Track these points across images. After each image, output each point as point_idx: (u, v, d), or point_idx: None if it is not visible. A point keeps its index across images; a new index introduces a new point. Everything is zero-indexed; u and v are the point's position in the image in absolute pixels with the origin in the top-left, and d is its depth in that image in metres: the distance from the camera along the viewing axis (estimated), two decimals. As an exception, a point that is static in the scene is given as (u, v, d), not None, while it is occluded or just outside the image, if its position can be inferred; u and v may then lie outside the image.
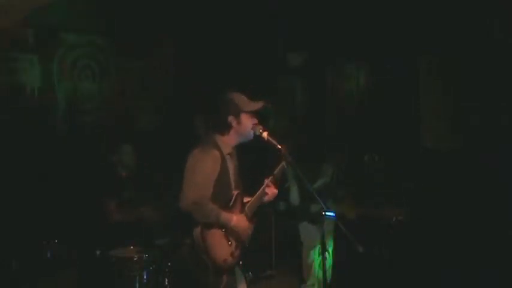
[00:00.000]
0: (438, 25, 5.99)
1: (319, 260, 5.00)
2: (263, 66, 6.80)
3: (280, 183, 3.77)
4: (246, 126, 3.48)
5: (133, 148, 5.08)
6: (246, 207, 3.56)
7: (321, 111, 7.35)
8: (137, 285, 4.18)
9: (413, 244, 5.42)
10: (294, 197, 5.20)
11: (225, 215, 3.37)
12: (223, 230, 3.38)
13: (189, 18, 6.39)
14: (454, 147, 6.06)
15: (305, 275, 5.24)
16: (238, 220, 3.42)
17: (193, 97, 6.19)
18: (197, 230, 3.32)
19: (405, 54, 6.43)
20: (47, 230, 4.78)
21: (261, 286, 5.73)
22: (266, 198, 3.64)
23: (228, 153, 3.51)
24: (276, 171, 3.65)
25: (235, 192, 3.51)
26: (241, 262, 3.56)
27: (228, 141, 3.51)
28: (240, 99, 3.51)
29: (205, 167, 3.36)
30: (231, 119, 3.46)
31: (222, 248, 3.36)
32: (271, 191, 3.63)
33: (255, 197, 3.59)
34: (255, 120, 3.52)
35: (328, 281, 4.76)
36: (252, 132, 3.49)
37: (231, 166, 3.52)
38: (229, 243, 3.40)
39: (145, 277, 4.19)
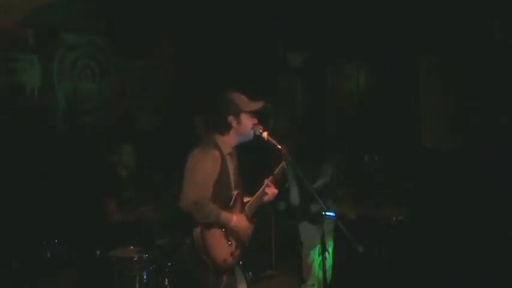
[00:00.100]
0: (438, 25, 5.99)
1: (319, 260, 5.00)
2: (263, 66, 6.80)
3: (280, 183, 3.77)
4: (246, 126, 3.48)
5: (133, 148, 5.09)
6: (246, 207, 3.56)
7: (321, 111, 7.34)
8: (137, 285, 4.18)
9: (413, 244, 5.42)
10: (294, 197, 5.20)
11: (225, 215, 3.37)
12: (223, 230, 3.38)
13: (189, 18, 6.39)
14: (454, 147, 6.06)
15: (305, 275, 5.24)
16: (238, 220, 3.42)
17: (193, 97, 6.19)
18: (197, 230, 3.32)
19: (405, 54, 6.43)
20: (47, 230, 4.78)
21: (261, 286, 5.73)
22: (266, 198, 3.64)
23: (228, 153, 3.51)
24: (276, 171, 3.65)
25: (235, 192, 3.51)
26: (241, 262, 3.56)
27: (228, 141, 3.51)
28: (240, 99, 3.51)
29: (205, 167, 3.36)
30: (231, 118, 3.46)
31: (222, 248, 3.36)
32: (271, 191, 3.63)
33: (254, 196, 3.59)
34: (255, 120, 3.52)
35: (328, 281, 4.76)
36: (252, 132, 3.49)
37: (231, 166, 3.52)
38: (229, 243, 3.40)
39: (145, 277, 4.19)
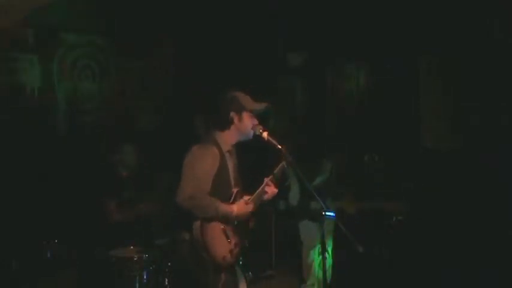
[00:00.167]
0: (438, 25, 5.99)
1: (319, 259, 5.00)
2: (263, 66, 6.80)
3: (280, 183, 3.77)
4: (247, 124, 3.49)
5: (135, 148, 5.09)
6: (245, 206, 3.56)
7: (321, 111, 7.34)
8: (137, 285, 4.17)
9: (413, 244, 5.42)
10: (294, 195, 5.20)
11: (224, 207, 3.37)
12: (223, 226, 3.38)
13: (189, 18, 6.39)
14: (454, 147, 6.06)
15: (305, 274, 5.24)
16: (239, 208, 3.42)
17: (193, 97, 6.19)
18: (196, 224, 3.32)
19: (405, 54, 6.43)
20: (47, 230, 4.78)
21: (261, 286, 5.73)
22: (265, 197, 3.63)
23: (228, 151, 3.52)
24: (276, 171, 3.65)
25: (235, 190, 3.52)
26: (241, 262, 3.56)
27: (228, 138, 3.51)
28: (245, 98, 3.54)
29: (204, 163, 3.37)
30: (232, 114, 3.47)
31: (221, 245, 3.36)
32: (271, 190, 3.63)
33: (254, 195, 3.59)
34: (256, 121, 3.53)
35: (328, 281, 4.76)
36: (251, 132, 3.50)
37: (230, 164, 3.53)
38: (229, 240, 3.40)
39: (145, 277, 4.19)
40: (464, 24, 5.83)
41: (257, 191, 3.60)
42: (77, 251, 4.56)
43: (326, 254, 3.57)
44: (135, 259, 4.21)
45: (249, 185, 3.66)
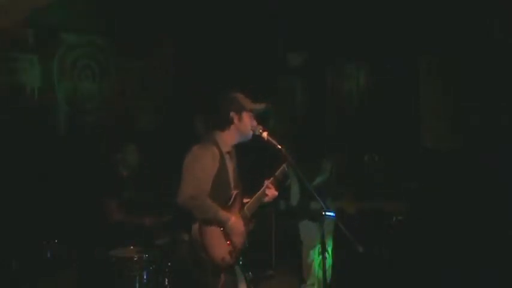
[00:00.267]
0: (438, 25, 5.99)
1: (319, 259, 5.00)
2: (263, 66, 6.80)
3: (281, 185, 3.77)
4: (247, 125, 3.49)
5: (136, 148, 5.09)
6: (245, 207, 3.57)
7: (321, 111, 7.34)
8: (137, 285, 4.17)
9: (414, 244, 5.42)
10: (295, 195, 5.20)
11: (223, 213, 3.37)
12: (222, 228, 3.38)
13: (189, 18, 6.39)
14: (454, 147, 6.06)
15: (305, 274, 5.24)
16: (235, 222, 3.42)
17: (193, 97, 6.19)
18: (195, 226, 3.32)
19: (405, 54, 6.43)
20: (47, 230, 4.78)
21: (261, 286, 5.73)
22: (266, 199, 3.63)
23: (227, 152, 3.52)
24: (277, 173, 3.65)
25: (234, 192, 3.51)
26: (241, 262, 3.56)
27: (227, 139, 3.51)
28: (244, 99, 3.54)
29: (204, 163, 3.37)
30: (233, 114, 3.47)
31: (220, 247, 3.35)
32: (271, 193, 3.62)
33: (254, 197, 3.60)
34: (255, 123, 3.54)
35: (328, 281, 4.76)
36: (250, 133, 3.51)
37: (230, 165, 3.53)
38: (228, 242, 3.40)
39: (145, 277, 4.19)
40: (464, 24, 5.84)
41: (257, 194, 3.59)
42: (77, 251, 4.56)
43: (326, 254, 3.58)
44: (135, 259, 4.21)
45: (249, 185, 3.66)
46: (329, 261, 5.12)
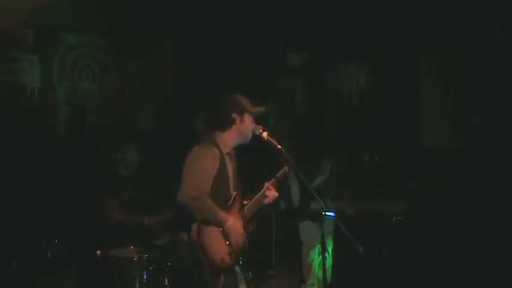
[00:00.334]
0: (438, 25, 5.99)
1: (319, 259, 5.00)
2: (263, 66, 6.80)
3: (281, 186, 3.77)
4: (247, 126, 3.50)
5: (136, 148, 5.09)
6: (245, 209, 3.56)
7: (321, 111, 7.34)
8: (137, 285, 4.17)
9: (413, 244, 5.42)
10: (295, 195, 5.20)
11: (222, 214, 3.37)
12: (221, 229, 3.38)
13: (189, 18, 6.39)
14: (454, 147, 6.06)
15: (305, 274, 5.24)
16: (234, 223, 3.41)
17: (193, 97, 6.19)
18: (194, 227, 3.32)
19: (405, 54, 6.43)
20: (47, 230, 4.78)
21: (261, 286, 5.73)
22: (266, 201, 3.63)
23: (227, 153, 3.52)
24: (278, 174, 3.65)
25: (234, 193, 3.51)
26: (241, 262, 3.55)
27: (228, 139, 3.52)
28: (246, 101, 3.55)
29: (204, 163, 3.38)
30: (234, 115, 3.48)
31: (219, 247, 3.35)
32: (272, 194, 3.62)
33: (255, 199, 3.60)
34: (255, 124, 3.54)
35: (328, 281, 4.76)
36: (250, 135, 3.52)
37: (230, 166, 3.53)
38: (227, 242, 3.39)
39: (145, 277, 4.18)
40: (464, 24, 5.83)
41: (257, 195, 3.59)
42: (77, 251, 4.56)
43: (326, 254, 3.57)
44: (135, 259, 4.21)
45: (249, 186, 3.66)
46: (329, 261, 5.12)
